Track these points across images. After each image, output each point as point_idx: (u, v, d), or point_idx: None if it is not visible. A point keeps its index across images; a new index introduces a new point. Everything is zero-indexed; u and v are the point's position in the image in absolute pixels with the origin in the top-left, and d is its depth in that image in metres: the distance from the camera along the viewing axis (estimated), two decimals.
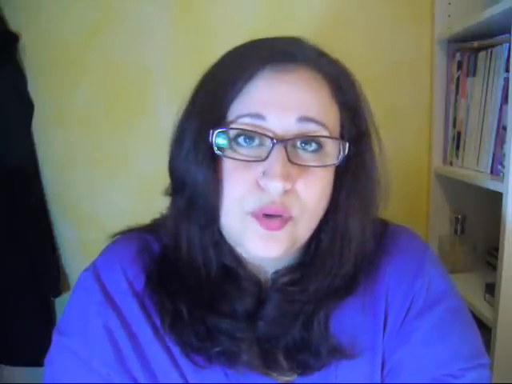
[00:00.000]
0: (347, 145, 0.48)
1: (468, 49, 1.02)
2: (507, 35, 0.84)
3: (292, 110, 0.46)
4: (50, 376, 0.52)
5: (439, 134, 1.13)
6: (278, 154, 0.44)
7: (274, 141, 0.44)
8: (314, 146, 0.47)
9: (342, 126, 0.50)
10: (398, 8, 1.11)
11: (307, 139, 0.47)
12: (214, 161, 0.47)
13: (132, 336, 0.51)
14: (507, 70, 0.86)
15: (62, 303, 1.18)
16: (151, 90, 1.12)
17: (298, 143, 0.47)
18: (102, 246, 0.57)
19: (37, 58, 1.11)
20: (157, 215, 0.58)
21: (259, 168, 0.45)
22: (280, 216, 0.46)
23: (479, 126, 0.97)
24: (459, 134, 1.06)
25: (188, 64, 1.08)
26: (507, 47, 0.86)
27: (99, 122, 1.14)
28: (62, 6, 1.09)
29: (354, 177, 0.50)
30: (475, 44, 0.99)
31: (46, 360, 0.53)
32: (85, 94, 1.13)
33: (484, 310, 0.88)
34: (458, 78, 1.05)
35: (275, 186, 0.44)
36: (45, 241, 1.15)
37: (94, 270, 0.54)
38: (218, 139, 0.46)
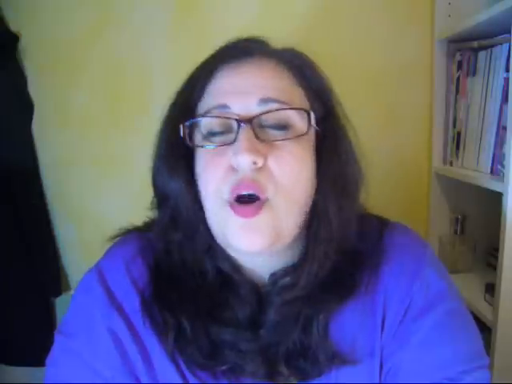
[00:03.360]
0: (312, 114, 0.49)
1: (468, 49, 1.02)
2: (507, 35, 0.84)
3: (252, 94, 0.48)
4: (52, 376, 0.52)
5: (439, 134, 1.13)
6: (244, 133, 0.46)
7: (240, 123, 0.46)
8: (280, 125, 0.48)
9: (312, 108, 0.51)
10: (398, 8, 1.11)
11: (274, 117, 0.48)
12: (186, 166, 0.49)
13: (138, 338, 0.51)
14: (507, 70, 0.86)
15: (62, 303, 1.18)
16: (151, 90, 1.12)
17: (266, 123, 0.48)
18: (103, 246, 0.57)
19: (37, 58, 1.11)
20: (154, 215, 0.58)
21: (230, 151, 0.46)
22: (254, 199, 0.45)
23: (479, 126, 0.97)
24: (459, 134, 1.06)
25: (188, 64, 1.07)
26: (507, 47, 0.86)
27: (99, 122, 1.14)
28: (62, 6, 1.09)
29: (325, 156, 0.51)
30: (475, 44, 0.99)
31: (48, 360, 0.53)
32: (85, 94, 1.13)
33: (484, 310, 0.87)
34: (458, 78, 1.05)
35: (244, 161, 0.44)
36: (45, 241, 1.15)
37: (98, 271, 0.54)
38: (190, 137, 0.49)
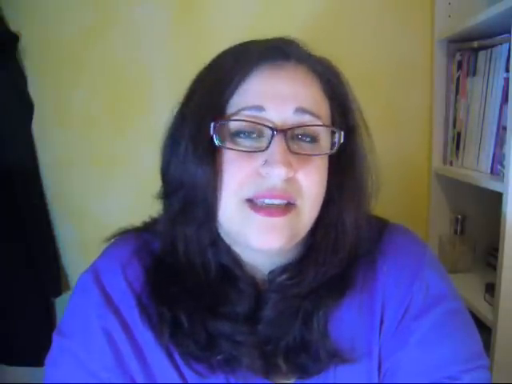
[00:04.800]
0: (342, 133, 0.50)
1: (468, 49, 1.02)
2: (507, 35, 0.84)
3: (289, 102, 0.47)
4: (51, 377, 0.52)
5: (439, 134, 1.13)
6: (278, 143, 0.46)
7: (275, 132, 0.46)
8: (310, 137, 0.49)
9: (333, 120, 0.52)
10: (398, 8, 1.11)
11: (305, 129, 0.48)
12: (213, 155, 0.47)
13: (133, 339, 0.51)
14: (507, 70, 0.86)
15: (62, 303, 1.18)
16: (151, 90, 1.12)
17: (296, 135, 0.48)
18: (102, 246, 0.57)
19: (37, 58, 1.11)
20: (155, 214, 0.58)
21: (260, 158, 0.46)
22: (282, 204, 0.47)
23: (479, 126, 0.97)
24: (459, 134, 1.06)
25: (188, 64, 1.07)
26: (507, 47, 0.86)
27: (99, 121, 1.14)
28: (62, 6, 1.09)
29: (344, 171, 0.52)
30: (475, 44, 0.99)
31: (47, 361, 0.53)
32: (85, 93, 1.13)
33: (484, 310, 0.87)
34: (458, 78, 1.05)
35: (278, 173, 0.45)
36: (45, 241, 1.15)
37: (94, 271, 0.54)
38: (218, 132, 0.47)
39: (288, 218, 0.47)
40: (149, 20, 1.10)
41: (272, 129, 0.46)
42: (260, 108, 0.47)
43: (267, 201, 0.47)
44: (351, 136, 0.52)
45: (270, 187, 0.46)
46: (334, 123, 0.52)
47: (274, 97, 0.47)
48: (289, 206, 0.47)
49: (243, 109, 0.47)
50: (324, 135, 0.50)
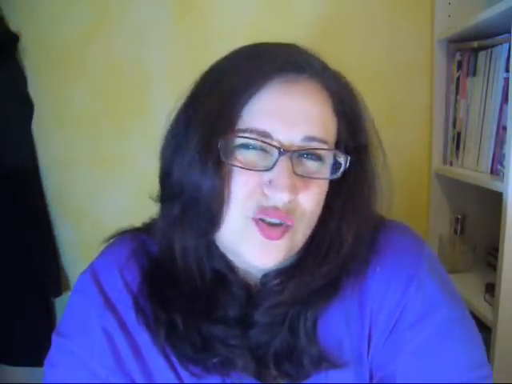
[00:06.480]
0: (349, 158, 0.49)
1: (468, 49, 1.02)
2: (507, 35, 0.84)
3: (298, 128, 0.46)
4: (50, 377, 0.52)
5: (439, 134, 1.13)
6: (284, 164, 0.45)
7: (281, 151, 0.45)
8: (315, 158, 0.48)
9: (339, 138, 0.51)
10: (397, 8, 1.11)
11: (311, 152, 0.48)
12: (220, 167, 0.46)
13: (131, 338, 0.51)
14: (507, 70, 0.86)
15: (62, 303, 1.18)
16: (151, 90, 1.12)
17: (302, 154, 0.48)
18: (102, 246, 0.57)
19: (37, 58, 1.11)
20: (155, 215, 0.58)
21: (265, 176, 0.46)
22: (281, 224, 0.47)
23: (479, 126, 0.97)
24: (459, 134, 1.06)
25: (187, 64, 1.08)
26: (507, 47, 0.86)
27: (99, 121, 1.14)
28: (62, 6, 1.09)
29: (351, 187, 0.51)
30: (475, 44, 0.99)
31: (46, 361, 0.53)
32: (85, 93, 1.13)
33: (484, 310, 0.87)
34: (458, 78, 1.05)
35: (281, 197, 0.45)
36: (45, 241, 1.15)
37: (92, 272, 0.54)
38: (225, 145, 0.46)
39: (283, 240, 0.47)
40: (149, 20, 1.10)
41: (278, 149, 0.45)
42: (266, 134, 0.46)
43: (268, 219, 0.46)
44: (360, 153, 0.51)
45: (272, 206, 0.46)
46: (339, 141, 0.51)
47: (283, 121, 0.46)
48: (286, 227, 0.47)
49: (251, 130, 0.46)
50: (330, 155, 0.49)
